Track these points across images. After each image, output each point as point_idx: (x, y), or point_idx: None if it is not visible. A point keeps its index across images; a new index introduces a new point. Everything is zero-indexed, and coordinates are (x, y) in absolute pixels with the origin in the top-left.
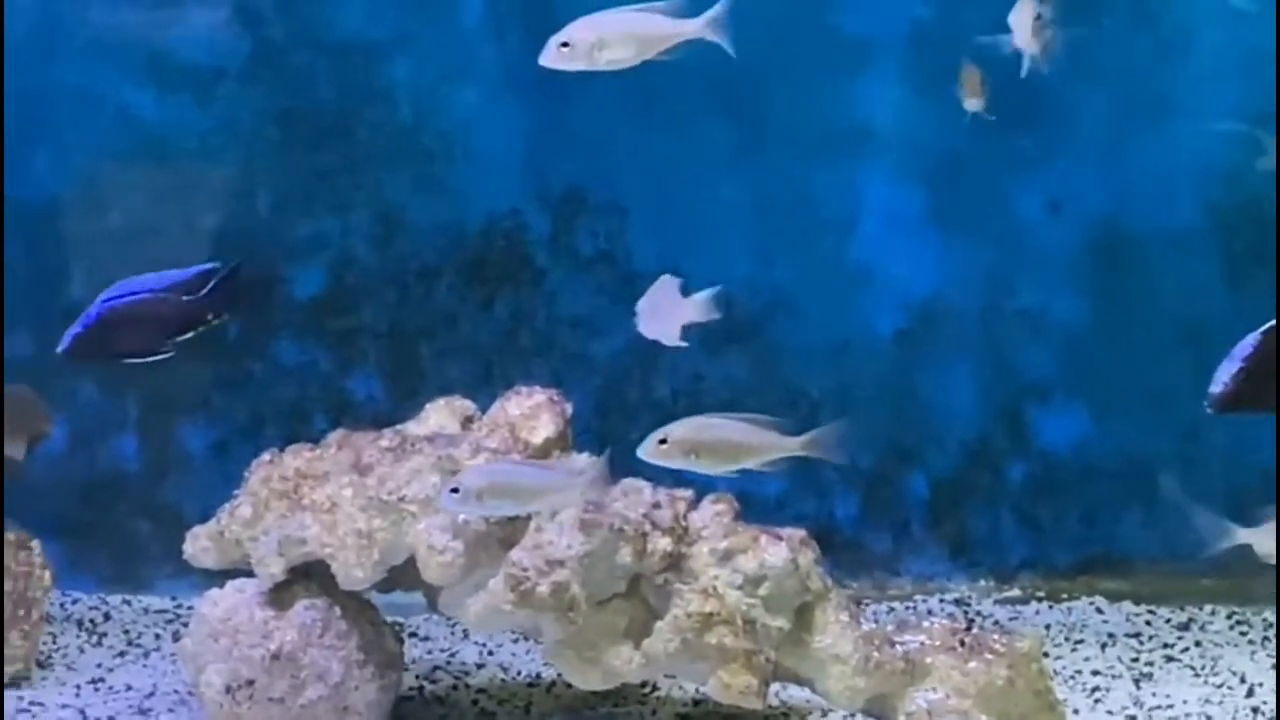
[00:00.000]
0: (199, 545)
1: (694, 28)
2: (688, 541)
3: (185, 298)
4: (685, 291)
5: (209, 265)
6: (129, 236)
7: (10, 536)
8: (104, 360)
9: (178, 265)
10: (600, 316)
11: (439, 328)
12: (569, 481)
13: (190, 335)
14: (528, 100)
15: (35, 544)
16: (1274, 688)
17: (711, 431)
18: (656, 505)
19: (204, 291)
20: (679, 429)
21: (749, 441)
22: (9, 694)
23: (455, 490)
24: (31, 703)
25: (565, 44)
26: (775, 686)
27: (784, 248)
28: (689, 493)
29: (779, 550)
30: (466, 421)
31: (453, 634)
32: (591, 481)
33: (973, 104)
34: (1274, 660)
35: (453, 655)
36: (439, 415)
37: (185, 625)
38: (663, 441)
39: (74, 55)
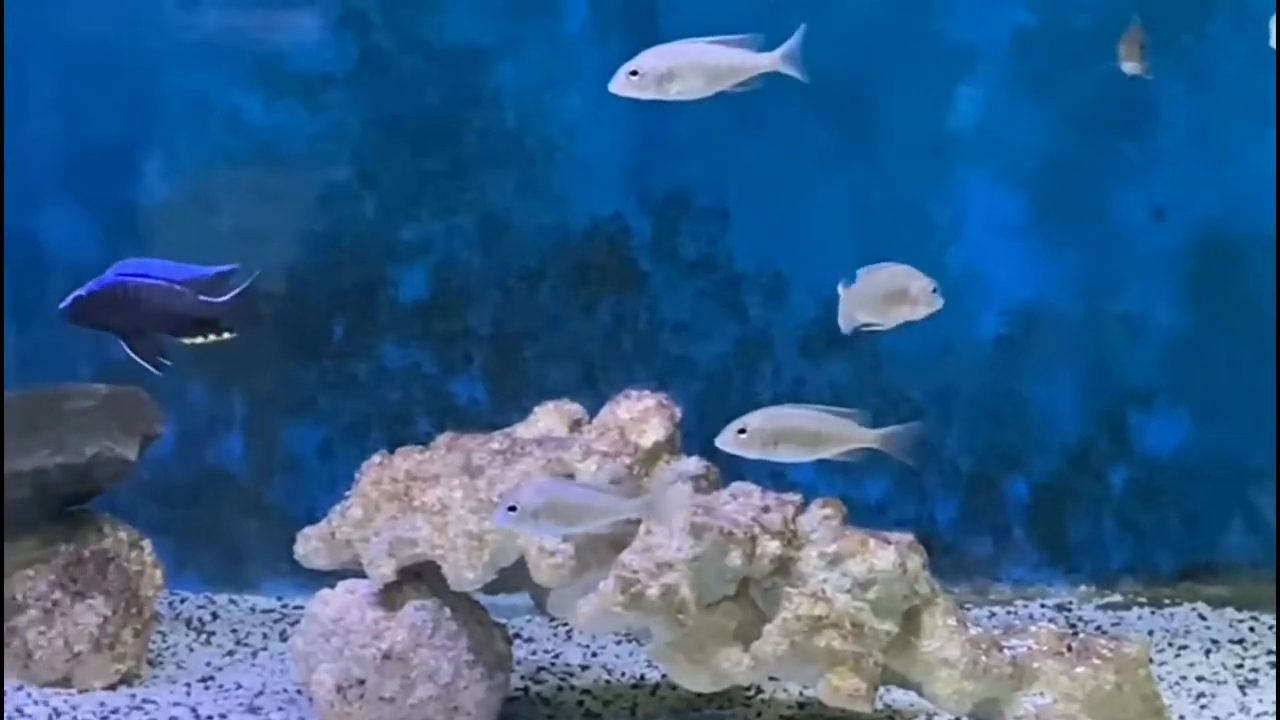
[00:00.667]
0: (310, 546)
1: (768, 61)
2: (796, 545)
3: (201, 297)
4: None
5: (228, 267)
6: (237, 240)
7: (122, 535)
8: (100, 330)
9: (286, 267)
10: (702, 320)
11: (542, 331)
12: (624, 506)
13: (197, 342)
14: (631, 105)
15: (146, 543)
16: None
17: (789, 421)
18: (766, 509)
19: (224, 298)
20: (757, 419)
21: (826, 431)
22: (122, 691)
23: (512, 508)
24: (144, 700)
25: (634, 72)
26: (881, 691)
27: (886, 252)
28: (798, 496)
29: (887, 554)
30: (574, 425)
31: (556, 635)
32: (648, 506)
33: (1130, 67)
34: None
35: (557, 656)
36: (547, 418)
37: (291, 625)
38: (741, 431)
39: (184, 61)
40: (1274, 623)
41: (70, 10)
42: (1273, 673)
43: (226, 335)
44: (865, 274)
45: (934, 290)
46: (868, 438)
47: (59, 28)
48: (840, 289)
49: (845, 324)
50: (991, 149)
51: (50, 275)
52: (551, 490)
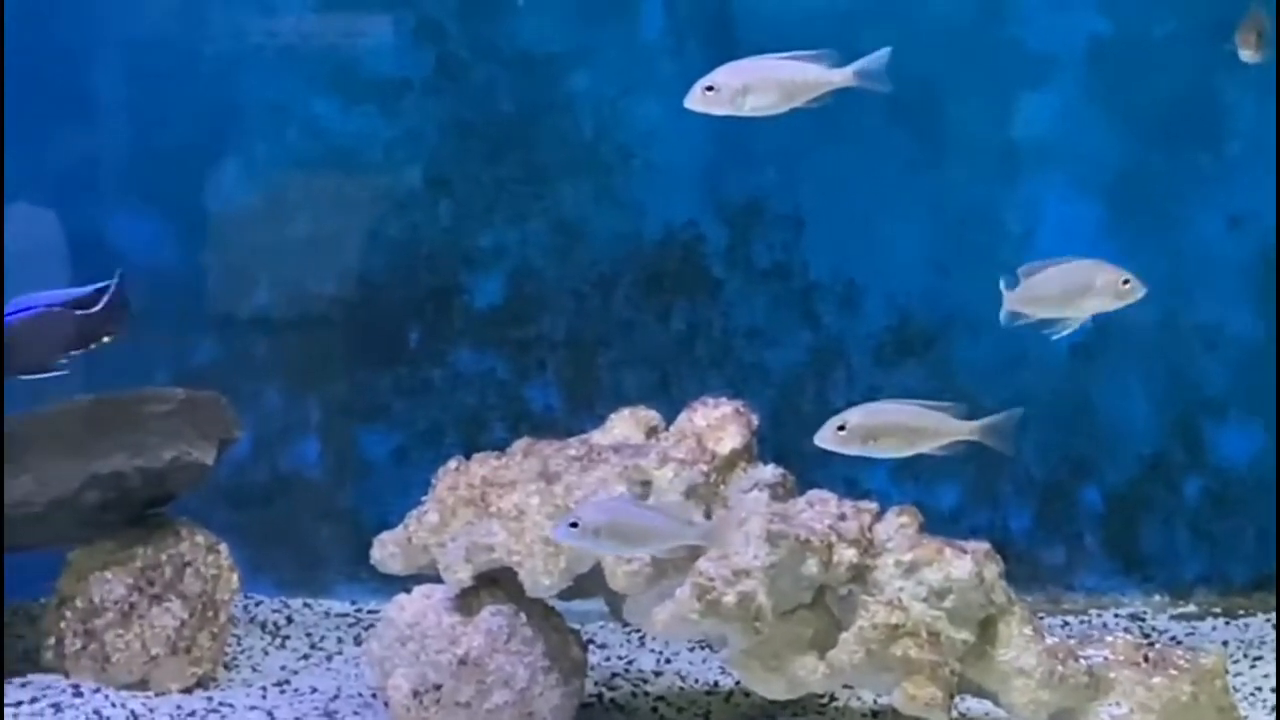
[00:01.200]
0: (386, 551)
1: (841, 77)
2: (873, 553)
3: (79, 313)
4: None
5: (105, 283)
6: (315, 245)
7: (199, 539)
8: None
9: (361, 272)
10: (776, 328)
11: (616, 338)
12: (687, 532)
13: (88, 349)
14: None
15: (223, 547)
16: None
17: (889, 416)
18: (842, 517)
19: (98, 307)
20: (856, 415)
21: (925, 425)
22: (198, 694)
23: (574, 524)
24: (221, 704)
25: (710, 88)
26: (956, 699)
27: (960, 261)
28: (874, 505)
29: (964, 563)
30: (651, 432)
31: (629, 641)
32: (707, 533)
33: (1248, 55)
34: None
35: (630, 663)
36: (624, 425)
37: (365, 629)
38: (840, 428)
39: (263, 67)
40: None
41: (149, 15)
42: None
43: (106, 340)
44: (1038, 270)
45: (1126, 282)
46: (966, 430)
47: (137, 33)
48: (1003, 288)
49: (1010, 318)
50: (1066, 157)
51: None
52: (615, 510)
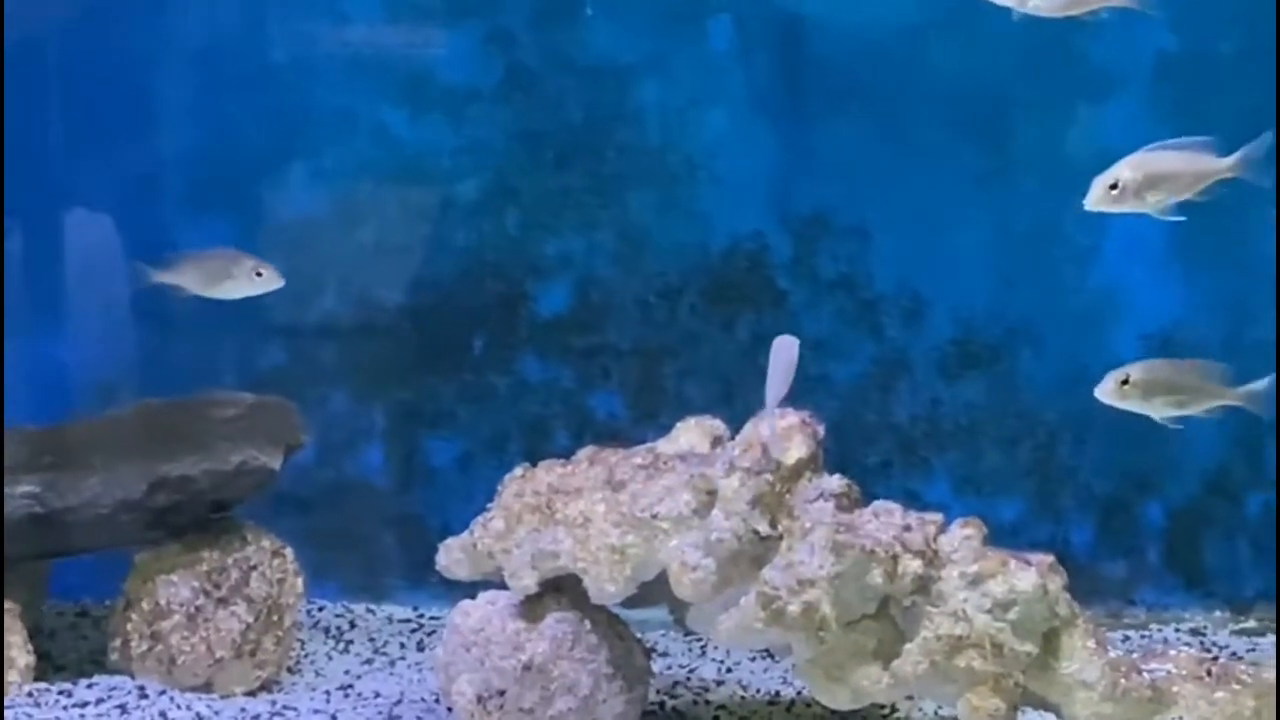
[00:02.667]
0: (452, 557)
1: (1228, 165)
2: (938, 564)
3: None
4: None
5: None
6: (382, 253)
7: (265, 543)
8: None
9: (428, 280)
10: (840, 340)
11: (681, 347)
12: None
13: None
14: (773, 124)
15: (288, 551)
16: None
17: (1170, 373)
18: (908, 528)
19: None
20: (1139, 370)
21: (1204, 386)
22: (262, 698)
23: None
24: (285, 707)
25: (1114, 186)
26: (1018, 712)
27: (1025, 275)
28: (939, 516)
29: (1028, 576)
30: (716, 441)
31: (691, 650)
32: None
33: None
34: None
35: (692, 671)
36: (689, 434)
37: (429, 635)
38: (1124, 382)
39: (333, 75)
40: None
41: (220, 24)
42: None
43: None
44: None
45: None
46: (1236, 396)
47: (208, 40)
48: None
49: None
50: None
51: None
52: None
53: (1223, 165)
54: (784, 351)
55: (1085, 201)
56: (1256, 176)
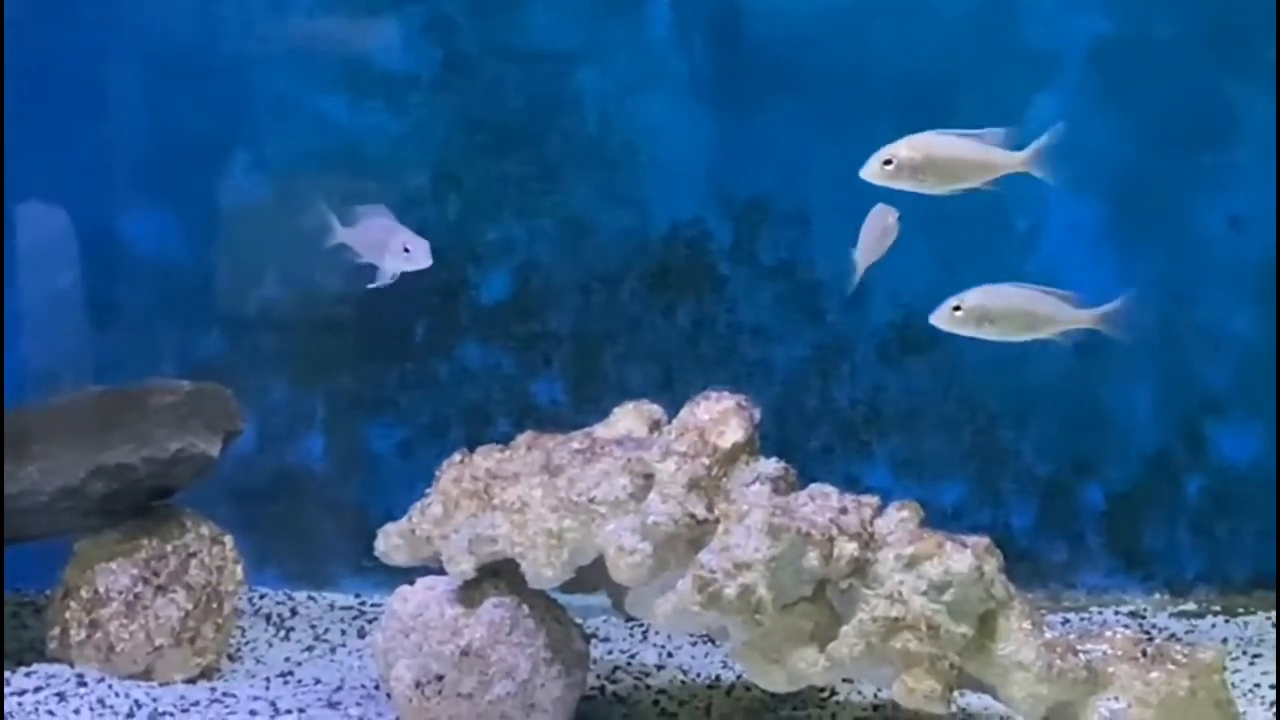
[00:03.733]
0: (390, 542)
1: (1019, 160)
2: (874, 547)
3: None
4: None
5: None
6: (321, 240)
7: (204, 531)
8: None
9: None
10: (780, 325)
11: (621, 334)
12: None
13: None
14: (713, 110)
15: (228, 539)
16: None
17: (1006, 298)
18: (844, 510)
19: None
20: (974, 295)
21: (1043, 310)
22: (201, 685)
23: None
24: (224, 694)
25: (888, 161)
26: (956, 693)
27: (965, 259)
28: (875, 499)
29: (964, 557)
30: (654, 426)
31: (632, 635)
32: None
33: None
34: None
35: (633, 656)
36: (627, 419)
37: (369, 622)
38: (956, 308)
39: (271, 63)
40: None
41: (158, 13)
42: None
43: None
44: None
45: None
46: (1084, 318)
47: (146, 30)
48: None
49: None
50: (1070, 156)
51: (134, 276)
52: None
53: (1014, 159)
54: (878, 218)
55: (862, 171)
56: (1047, 173)
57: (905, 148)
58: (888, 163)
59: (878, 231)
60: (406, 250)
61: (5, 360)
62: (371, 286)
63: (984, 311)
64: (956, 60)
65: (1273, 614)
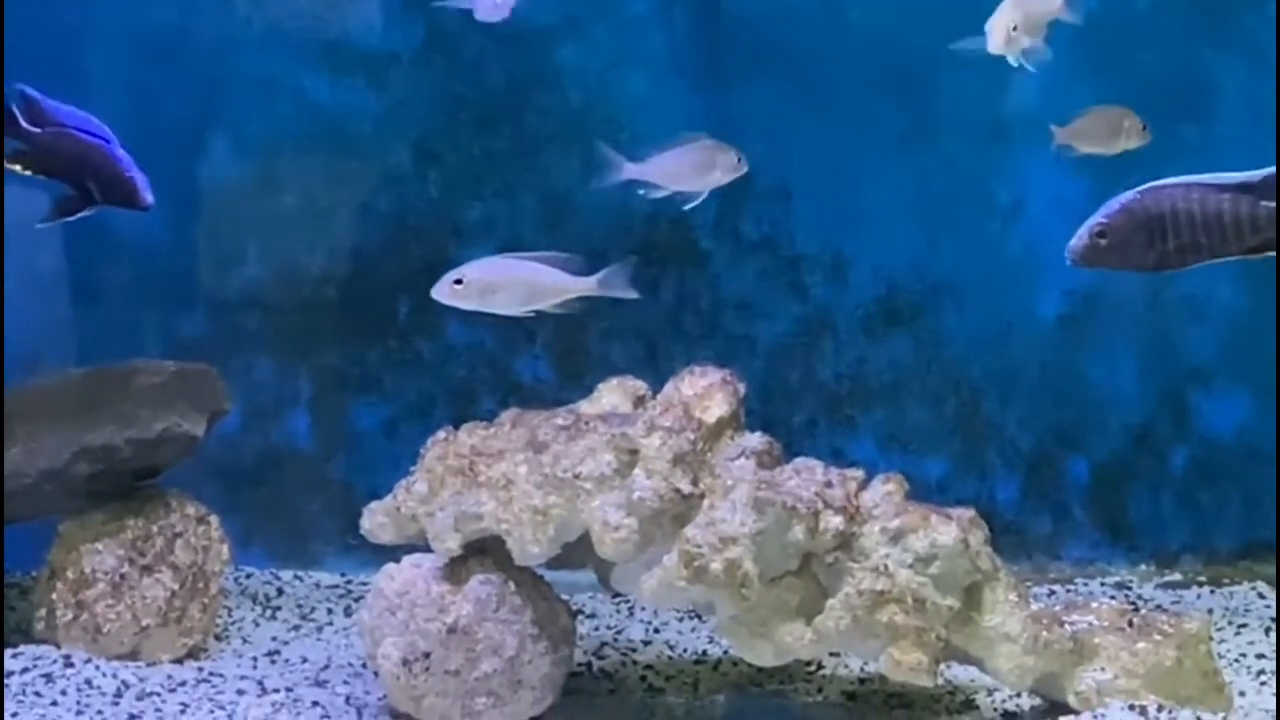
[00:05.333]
0: (376, 521)
1: (585, 286)
2: (859, 520)
3: None
4: None
5: None
6: (305, 219)
7: (190, 511)
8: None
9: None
10: (764, 300)
11: (605, 310)
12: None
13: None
14: (694, 85)
15: (213, 519)
16: None
17: (506, 271)
18: (829, 484)
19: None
20: (474, 269)
21: (543, 282)
22: (189, 664)
23: (459, 282)
24: (211, 673)
25: (458, 281)
26: (942, 665)
27: (948, 233)
28: (860, 472)
29: (949, 530)
30: (638, 401)
31: (619, 612)
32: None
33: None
34: None
35: (619, 633)
36: (611, 395)
37: (356, 600)
38: (458, 282)
39: (251, 42)
40: None
41: None
42: None
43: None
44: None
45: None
46: (585, 286)
47: (126, 8)
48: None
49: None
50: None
51: (118, 256)
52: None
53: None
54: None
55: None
56: (616, 294)
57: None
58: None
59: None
60: (739, 161)
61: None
62: (689, 207)
63: (486, 284)
64: (937, 34)
65: (1258, 584)
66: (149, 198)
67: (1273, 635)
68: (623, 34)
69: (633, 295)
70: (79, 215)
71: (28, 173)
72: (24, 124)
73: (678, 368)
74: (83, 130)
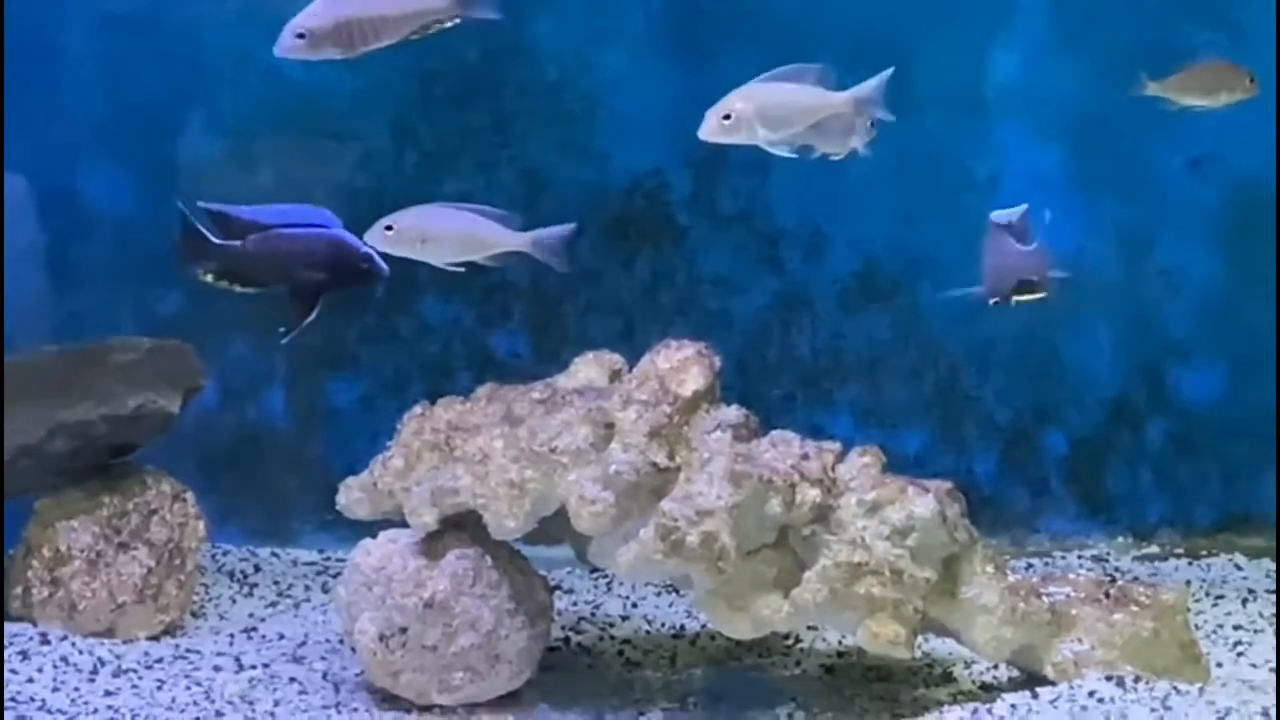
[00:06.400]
0: (352, 496)
1: (841, 101)
2: (836, 493)
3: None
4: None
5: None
6: (280, 195)
7: (165, 487)
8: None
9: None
10: (741, 275)
11: (581, 286)
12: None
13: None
14: (671, 60)
15: (189, 496)
16: None
17: (439, 220)
18: (805, 457)
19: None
20: (407, 216)
21: (476, 233)
22: (165, 642)
23: (389, 228)
24: (188, 650)
25: (727, 117)
26: (920, 638)
27: (925, 207)
28: (837, 445)
29: (926, 501)
30: (614, 375)
31: (596, 587)
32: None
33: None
34: None
35: (597, 607)
36: (587, 369)
37: (333, 577)
38: (389, 228)
39: (225, 17)
40: None
41: None
42: None
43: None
44: None
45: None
46: (518, 241)
47: None
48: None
49: None
50: (1030, 103)
51: (91, 233)
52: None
53: (836, 100)
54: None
55: (700, 132)
56: (872, 113)
57: (739, 100)
58: (726, 118)
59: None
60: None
61: None
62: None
63: (418, 231)
64: (914, 8)
65: (1236, 555)
66: (384, 267)
67: (1249, 606)
68: (599, 8)
69: (563, 267)
70: (314, 315)
71: (241, 289)
72: (218, 241)
73: (654, 343)
74: (297, 225)
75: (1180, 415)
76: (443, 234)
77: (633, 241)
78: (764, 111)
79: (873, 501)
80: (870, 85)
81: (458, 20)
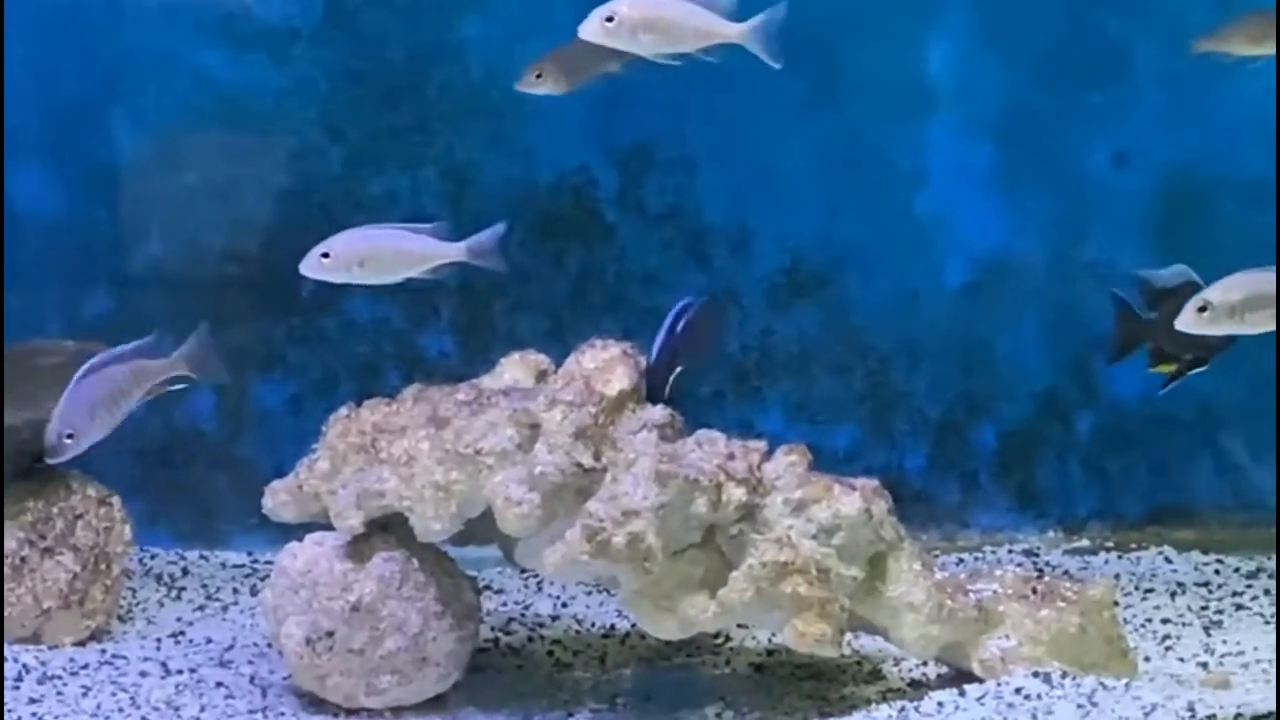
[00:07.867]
0: (278, 499)
1: (735, 32)
2: (762, 492)
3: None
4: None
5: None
6: (204, 196)
7: (91, 492)
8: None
9: (253, 222)
10: (669, 272)
11: (510, 284)
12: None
13: None
14: None
15: (115, 500)
16: None
17: (373, 241)
18: (731, 456)
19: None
20: (340, 241)
21: (413, 250)
22: (91, 647)
23: (326, 255)
24: (114, 656)
25: (610, 18)
26: (848, 636)
27: (852, 202)
28: (763, 444)
29: (852, 500)
30: (541, 375)
31: (526, 587)
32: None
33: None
34: None
35: (527, 608)
36: (513, 369)
37: (262, 580)
38: (325, 255)
39: (148, 17)
40: (1239, 565)
41: None
42: (1238, 615)
43: None
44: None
45: None
46: (452, 252)
47: None
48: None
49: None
50: (957, 98)
51: (14, 234)
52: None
53: (730, 30)
54: None
55: (580, 29)
56: (760, 49)
57: (625, 5)
58: (609, 19)
59: None
60: None
61: None
62: None
63: (353, 255)
64: (843, 2)
65: (1165, 548)
66: None
67: (1178, 600)
68: (525, 6)
69: (501, 267)
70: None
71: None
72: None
73: (583, 341)
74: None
75: (1109, 408)
76: (379, 255)
77: (560, 239)
78: (650, 23)
79: (799, 500)
80: (760, 20)
81: None
